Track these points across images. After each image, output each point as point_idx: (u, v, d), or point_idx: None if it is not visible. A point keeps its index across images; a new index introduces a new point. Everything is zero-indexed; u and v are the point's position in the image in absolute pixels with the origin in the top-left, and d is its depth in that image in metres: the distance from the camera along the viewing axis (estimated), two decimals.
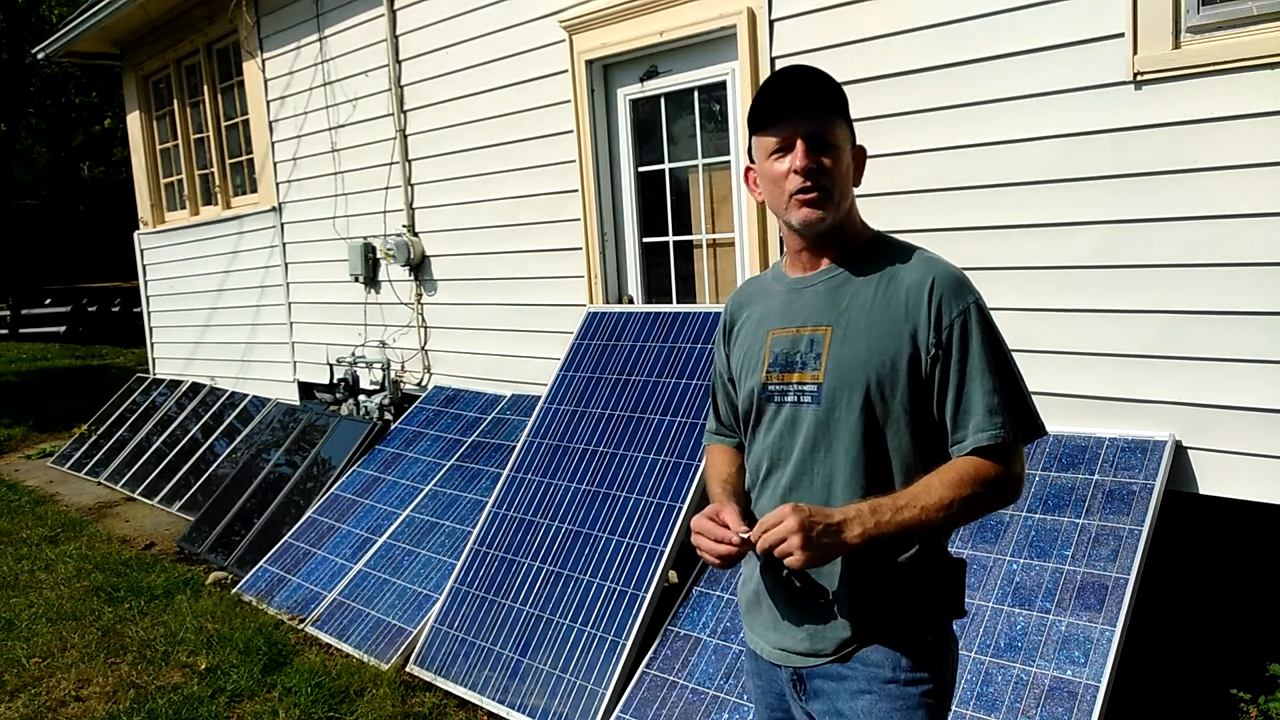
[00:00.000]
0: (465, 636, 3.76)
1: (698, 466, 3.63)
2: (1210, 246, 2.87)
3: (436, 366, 5.76)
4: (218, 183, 7.68)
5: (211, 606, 4.58)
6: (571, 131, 4.66)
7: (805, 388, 1.63)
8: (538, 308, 5.03)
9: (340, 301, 6.41)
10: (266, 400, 7.06)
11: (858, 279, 1.64)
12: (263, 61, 6.76)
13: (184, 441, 7.23)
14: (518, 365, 5.15)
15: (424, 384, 5.81)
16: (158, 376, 8.77)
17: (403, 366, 5.94)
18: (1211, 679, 2.97)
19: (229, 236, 7.50)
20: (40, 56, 8.82)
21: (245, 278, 7.37)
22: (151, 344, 8.94)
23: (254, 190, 7.22)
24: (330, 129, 6.24)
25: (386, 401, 5.84)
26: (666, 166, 4.52)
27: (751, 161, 1.72)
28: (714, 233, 4.41)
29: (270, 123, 6.80)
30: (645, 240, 4.66)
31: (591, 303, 4.69)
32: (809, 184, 1.59)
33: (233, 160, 7.55)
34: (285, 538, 5.01)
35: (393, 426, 5.49)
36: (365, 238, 6.03)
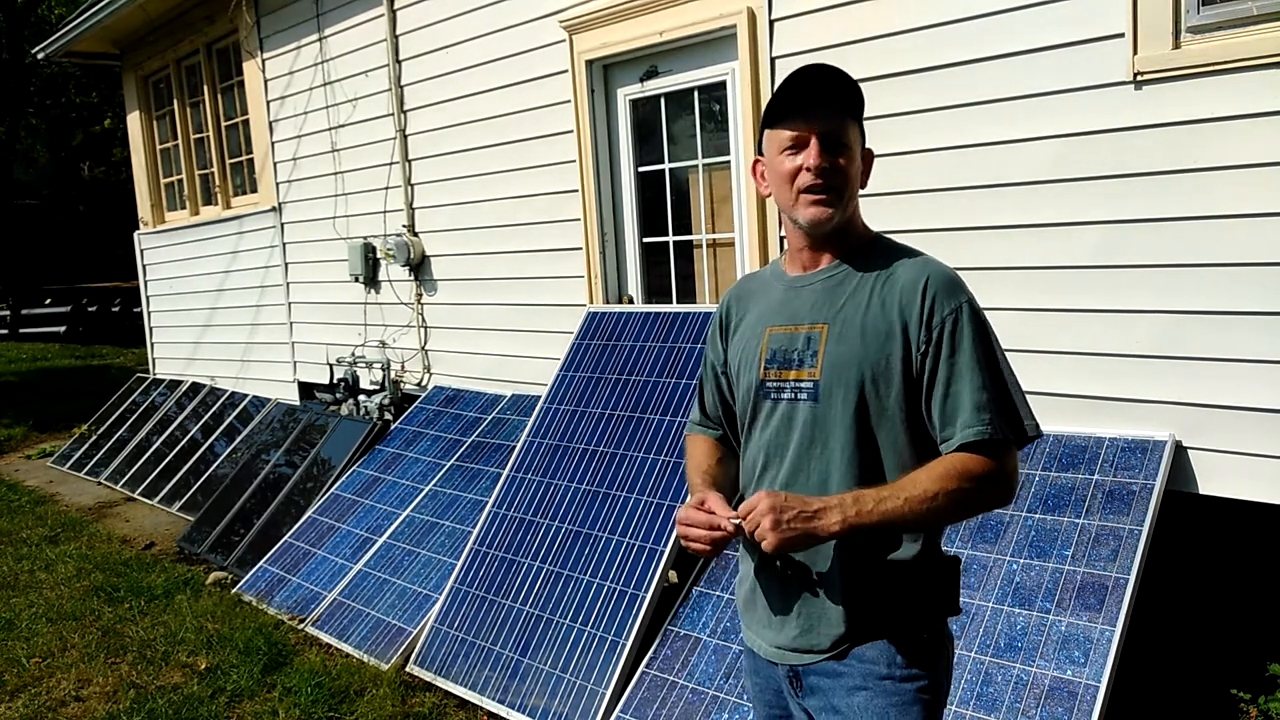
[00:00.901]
0: (465, 636, 3.76)
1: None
2: (1210, 246, 2.87)
3: (436, 366, 5.76)
4: (218, 183, 7.68)
5: (211, 606, 4.58)
6: (571, 131, 4.66)
7: (802, 385, 1.63)
8: (538, 308, 5.03)
9: (340, 301, 6.41)
10: (266, 400, 7.06)
11: (855, 278, 1.64)
12: (263, 61, 6.76)
13: (184, 441, 7.23)
14: (518, 365, 5.16)
15: (424, 384, 5.81)
16: (158, 376, 8.77)
17: (403, 366, 5.94)
18: (1211, 679, 2.97)
19: (229, 236, 7.50)
20: (40, 56, 8.82)
21: (245, 278, 7.37)
22: (151, 344, 8.94)
23: (254, 190, 7.22)
24: (330, 129, 6.24)
25: (386, 401, 5.84)
26: (666, 166, 4.52)
27: (760, 154, 1.72)
28: (714, 233, 4.41)
29: (270, 123, 6.80)
30: (645, 240, 4.66)
31: (591, 303, 4.69)
32: (820, 183, 1.60)
33: (233, 160, 7.55)
34: (285, 538, 5.01)
35: (393, 426, 5.49)
36: (365, 238, 6.03)
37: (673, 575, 3.72)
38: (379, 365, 5.98)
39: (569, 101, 4.64)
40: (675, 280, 4.60)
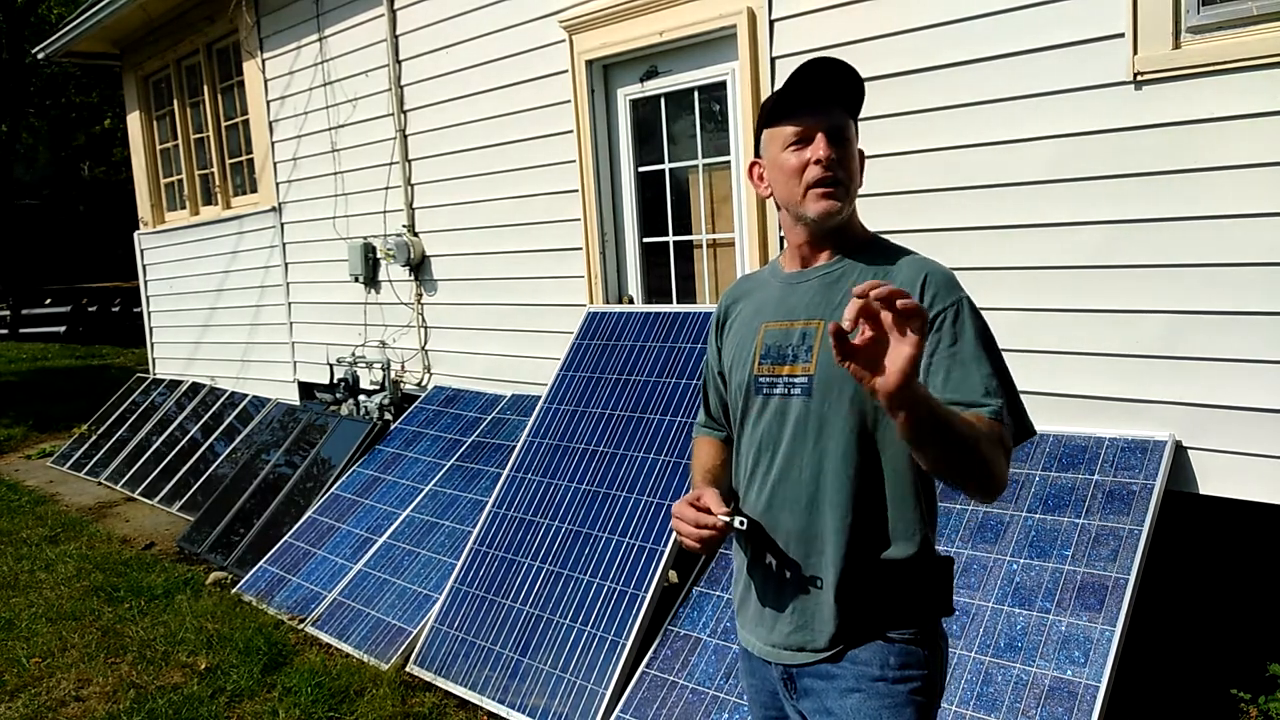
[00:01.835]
0: (465, 636, 3.76)
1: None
2: (1211, 247, 2.87)
3: (436, 366, 5.76)
4: (218, 183, 7.68)
5: (211, 606, 4.58)
6: (571, 131, 4.66)
7: (796, 380, 1.63)
8: (538, 308, 5.03)
9: (340, 301, 6.41)
10: (266, 400, 7.06)
11: (853, 274, 1.64)
12: (263, 61, 6.76)
13: (184, 441, 7.23)
14: (518, 365, 5.16)
15: (424, 384, 5.81)
16: (158, 376, 8.77)
17: (403, 366, 5.94)
18: (1211, 679, 2.97)
19: (229, 236, 7.50)
20: (40, 56, 8.82)
21: (245, 278, 7.37)
22: (151, 344, 8.94)
23: (254, 190, 7.22)
24: (330, 129, 6.24)
25: (386, 401, 5.84)
26: (666, 166, 4.52)
27: (758, 156, 1.71)
28: (714, 233, 4.41)
29: (270, 123, 6.80)
30: (645, 240, 4.66)
31: (591, 303, 4.69)
32: (830, 175, 1.59)
33: (233, 160, 7.55)
34: (285, 538, 5.01)
35: (393, 426, 5.49)
36: (365, 238, 6.03)
37: (673, 575, 3.72)
38: (379, 365, 5.98)
39: (569, 101, 4.64)
40: (675, 280, 4.60)
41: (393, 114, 5.67)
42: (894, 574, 1.60)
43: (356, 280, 6.12)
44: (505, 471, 4.26)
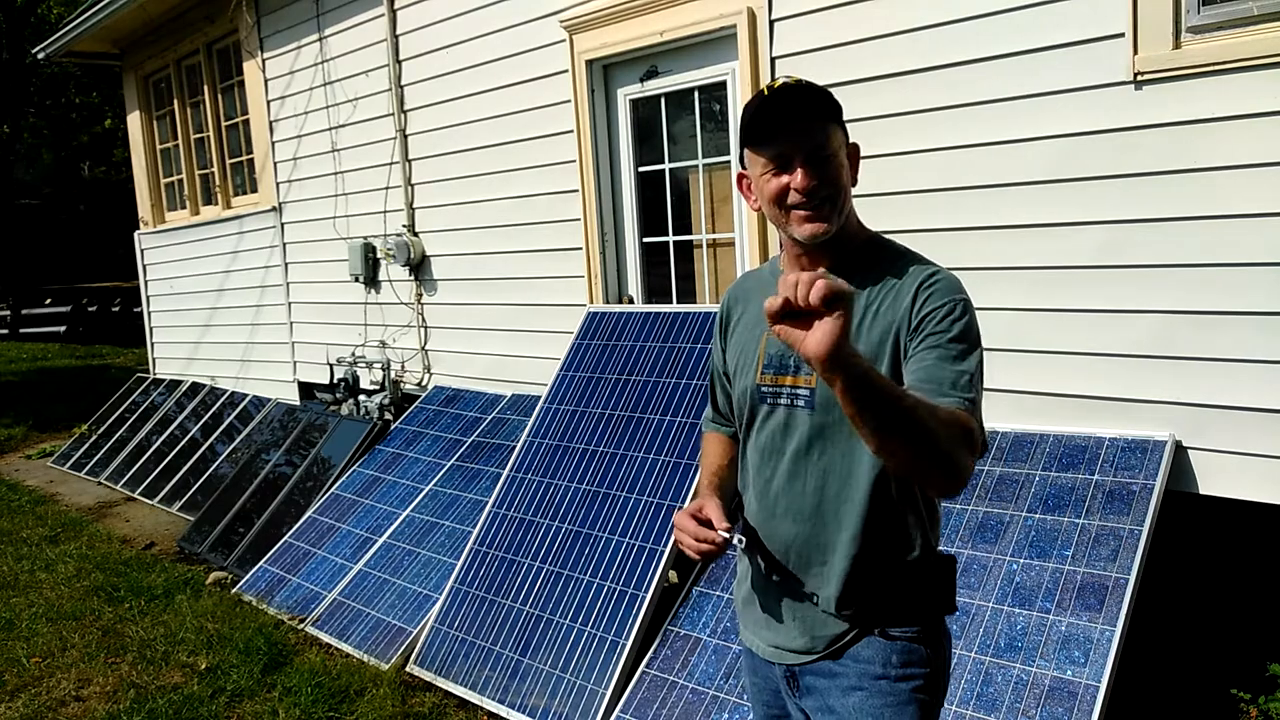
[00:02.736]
0: (465, 636, 3.76)
1: (698, 467, 3.62)
2: (1211, 247, 2.87)
3: (437, 366, 5.76)
4: (218, 183, 7.68)
5: (211, 606, 4.58)
6: (572, 131, 4.66)
7: (799, 391, 1.62)
8: (538, 308, 5.03)
9: (340, 301, 6.41)
10: (266, 400, 7.06)
11: (855, 283, 1.62)
12: (263, 61, 6.76)
13: (184, 441, 7.23)
14: (518, 365, 5.16)
15: (424, 384, 5.81)
16: (158, 376, 8.77)
17: (403, 366, 5.94)
18: (1211, 679, 2.97)
19: (229, 236, 7.50)
20: (40, 56, 8.82)
21: (245, 278, 7.37)
22: (151, 344, 8.94)
23: (254, 190, 7.22)
24: (330, 129, 6.24)
25: (386, 401, 5.84)
26: (667, 166, 4.52)
27: (744, 167, 1.69)
28: (714, 233, 4.41)
29: (270, 123, 6.80)
30: (645, 240, 4.66)
31: (592, 303, 4.69)
32: (809, 201, 1.56)
33: (233, 160, 7.55)
34: (285, 538, 5.01)
35: (393, 426, 5.49)
36: (365, 238, 6.03)
37: (673, 575, 3.72)
38: (379, 365, 5.98)
39: (569, 101, 4.64)
40: (675, 280, 4.60)
41: (393, 114, 5.67)
42: (898, 573, 1.60)
43: (356, 280, 6.12)
44: (505, 471, 4.26)
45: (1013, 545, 2.96)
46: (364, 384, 6.15)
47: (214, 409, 7.42)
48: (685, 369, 3.99)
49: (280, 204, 6.83)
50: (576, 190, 4.68)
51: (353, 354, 6.19)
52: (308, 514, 5.12)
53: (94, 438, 8.20)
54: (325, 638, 4.18)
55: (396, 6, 5.56)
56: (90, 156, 23.37)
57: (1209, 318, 2.90)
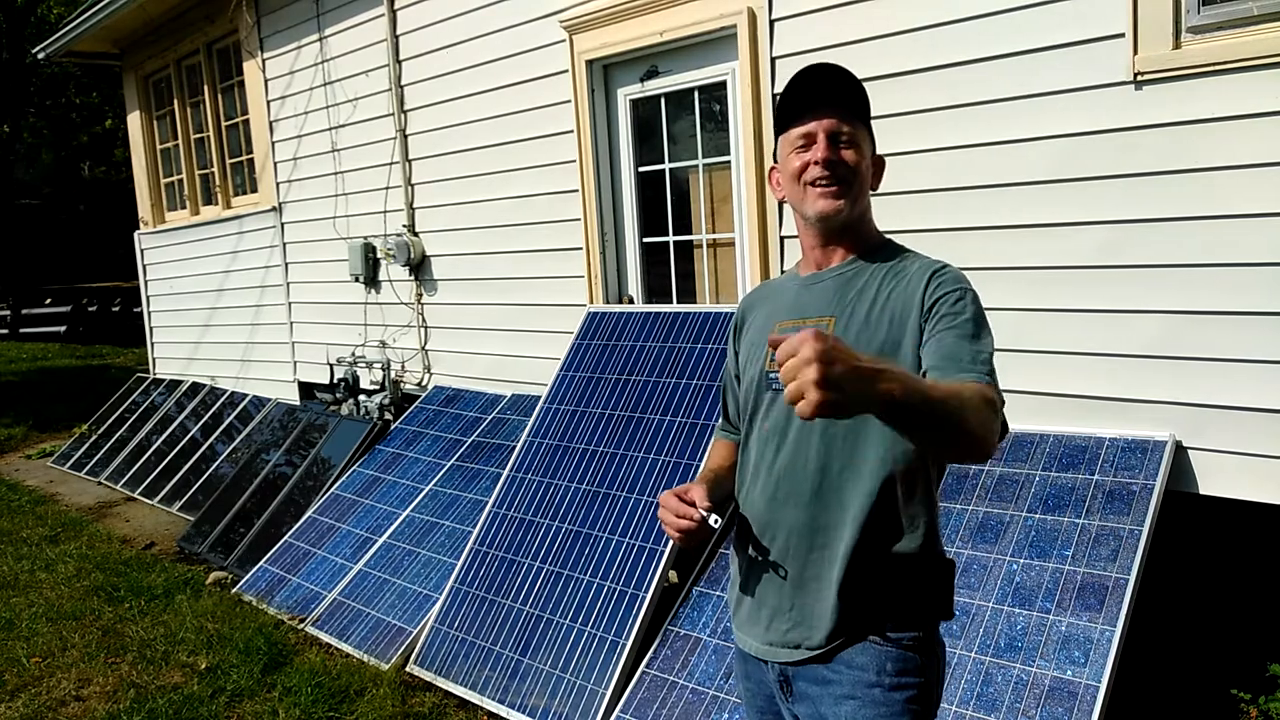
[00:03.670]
0: (465, 636, 3.76)
1: (698, 467, 3.63)
2: (1211, 247, 2.87)
3: (437, 366, 5.76)
4: (218, 183, 7.69)
5: (211, 606, 4.58)
6: (572, 131, 4.66)
7: None
8: (538, 308, 5.03)
9: (340, 301, 6.41)
10: (266, 400, 7.06)
11: (866, 274, 1.67)
12: (263, 61, 6.76)
13: (184, 441, 7.23)
14: (518, 365, 5.16)
15: (424, 384, 5.81)
16: (158, 376, 8.77)
17: (403, 366, 5.94)
18: (1211, 679, 2.97)
19: (229, 236, 7.50)
20: (40, 56, 8.82)
21: (245, 278, 7.37)
22: (151, 344, 8.94)
23: (254, 190, 7.22)
24: (330, 129, 6.24)
25: (386, 401, 5.84)
26: (667, 166, 4.52)
27: (775, 161, 1.76)
28: (714, 233, 4.41)
29: (270, 123, 6.80)
30: (645, 240, 4.66)
31: (592, 303, 4.69)
32: (828, 174, 1.62)
33: (233, 160, 7.55)
34: (285, 537, 5.01)
35: (393, 426, 5.49)
36: (365, 238, 6.03)
37: (673, 575, 3.72)
38: (379, 365, 5.98)
39: (569, 101, 4.64)
40: (675, 280, 4.60)
41: (393, 114, 5.67)
42: (898, 568, 1.59)
43: (357, 280, 6.12)
44: (505, 471, 4.26)
45: (1013, 545, 2.96)
46: (364, 384, 6.15)
47: (214, 409, 7.42)
48: (685, 369, 3.99)
49: (280, 204, 6.83)
50: (576, 190, 4.68)
51: (353, 354, 6.19)
52: (308, 514, 5.12)
53: (94, 438, 8.20)
54: (325, 638, 4.18)
55: (396, 6, 5.56)
56: (90, 156, 23.37)
57: (1209, 318, 2.90)
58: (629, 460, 3.86)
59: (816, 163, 1.63)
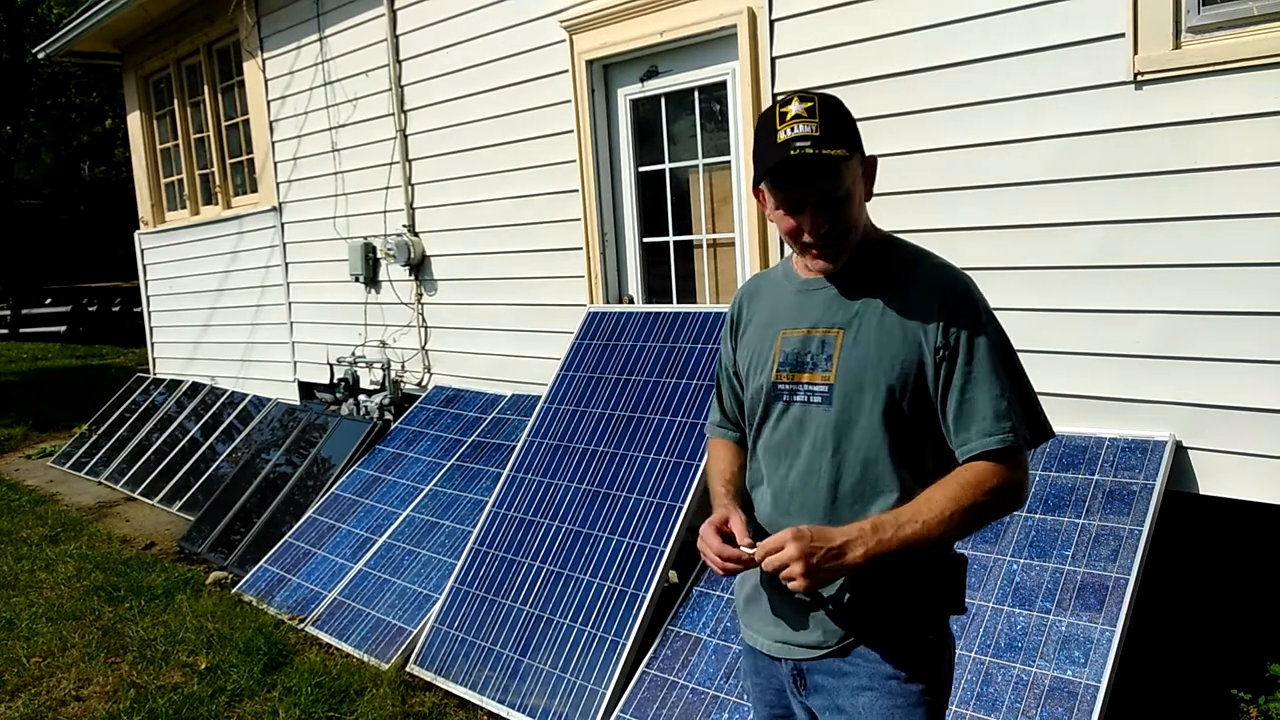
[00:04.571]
0: (465, 636, 3.76)
1: (698, 466, 3.63)
2: (1211, 247, 2.87)
3: (437, 366, 5.76)
4: (218, 183, 7.69)
5: (211, 606, 4.58)
6: (572, 131, 4.66)
7: (815, 388, 1.63)
8: (538, 308, 5.03)
9: (340, 301, 6.41)
10: (266, 400, 7.06)
11: (869, 283, 1.64)
12: (263, 61, 6.76)
13: (184, 441, 7.23)
14: (518, 365, 5.16)
15: (424, 384, 5.81)
16: (158, 376, 8.77)
17: (403, 366, 5.94)
18: (1211, 679, 2.97)
19: (229, 236, 7.50)
20: (40, 56, 8.82)
21: (245, 277, 7.37)
22: (152, 344, 8.94)
23: (254, 190, 7.22)
24: (330, 129, 6.24)
25: (387, 401, 5.84)
26: (667, 166, 4.52)
27: (759, 186, 1.69)
28: (714, 233, 4.41)
29: (270, 122, 6.80)
30: (645, 240, 4.66)
31: (592, 303, 4.69)
32: (820, 244, 1.60)
33: (233, 160, 7.55)
34: (285, 537, 5.02)
35: (393, 426, 5.49)
36: (365, 238, 6.03)
37: (673, 575, 3.72)
38: (379, 365, 5.98)
39: (569, 101, 4.64)
40: (675, 280, 4.60)
41: (393, 114, 5.67)
42: (910, 570, 1.60)
43: (357, 280, 6.12)
44: (505, 471, 4.26)
45: (1013, 545, 2.96)
46: (364, 384, 6.15)
47: (214, 409, 7.42)
48: (685, 369, 3.99)
49: (280, 204, 6.83)
50: (576, 190, 4.68)
51: (353, 354, 6.19)
52: (308, 514, 5.12)
53: (94, 438, 8.20)
54: (325, 637, 4.18)
55: (396, 6, 5.56)
56: (90, 156, 23.37)
57: (1209, 318, 2.90)
58: (629, 460, 3.86)
59: (808, 234, 1.58)
